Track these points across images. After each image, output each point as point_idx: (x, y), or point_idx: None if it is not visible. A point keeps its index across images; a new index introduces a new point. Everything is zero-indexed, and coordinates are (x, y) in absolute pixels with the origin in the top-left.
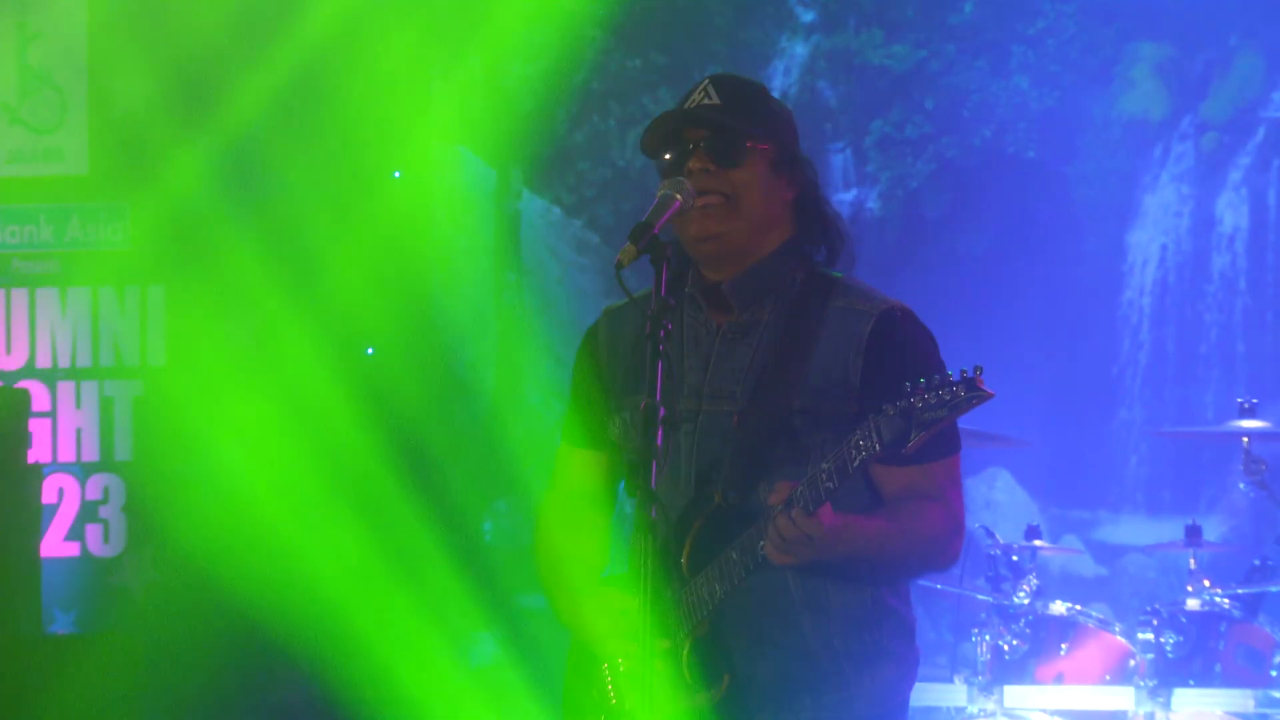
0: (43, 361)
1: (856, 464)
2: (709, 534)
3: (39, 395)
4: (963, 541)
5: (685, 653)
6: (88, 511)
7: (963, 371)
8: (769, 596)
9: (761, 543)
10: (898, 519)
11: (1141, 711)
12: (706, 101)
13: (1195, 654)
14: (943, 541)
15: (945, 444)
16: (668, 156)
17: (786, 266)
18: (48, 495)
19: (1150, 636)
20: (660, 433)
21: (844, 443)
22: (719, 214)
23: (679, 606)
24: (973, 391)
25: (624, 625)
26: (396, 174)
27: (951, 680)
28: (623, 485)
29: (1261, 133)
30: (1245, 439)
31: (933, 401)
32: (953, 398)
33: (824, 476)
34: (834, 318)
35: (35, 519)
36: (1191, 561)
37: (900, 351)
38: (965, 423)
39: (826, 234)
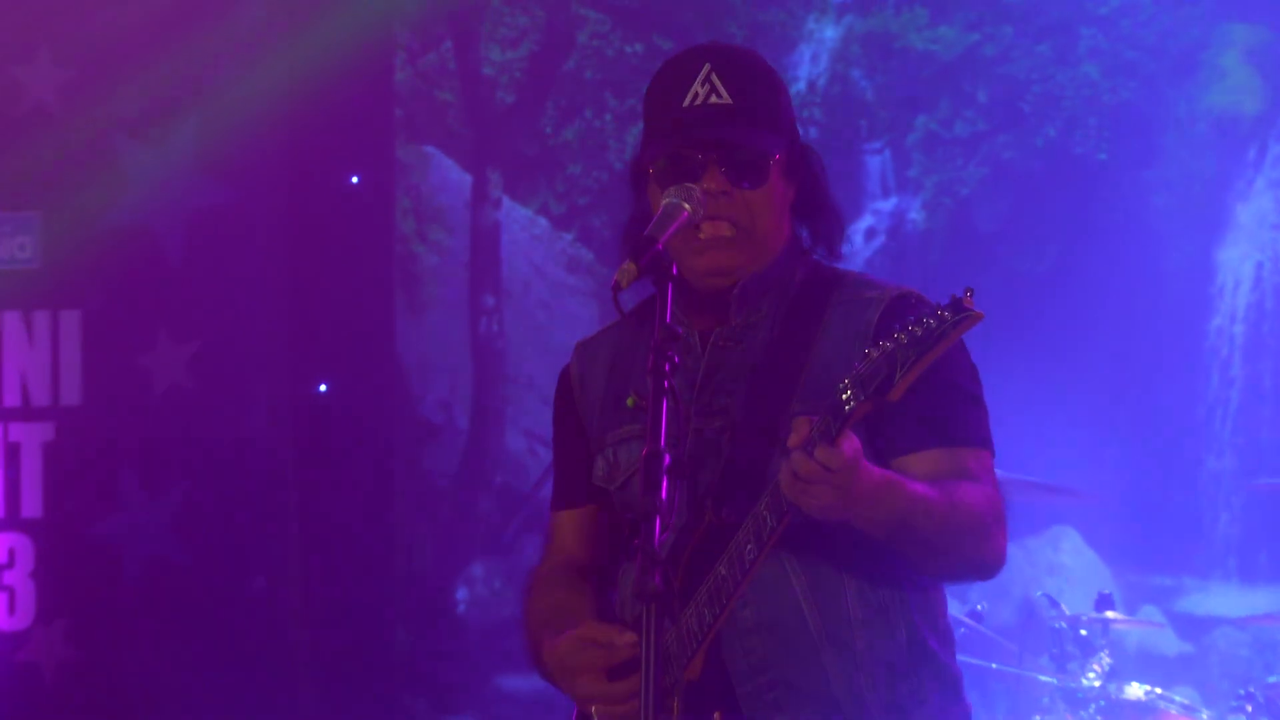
0: None
1: (840, 423)
2: (704, 557)
3: None
4: (1006, 542)
5: (676, 701)
6: None
7: (952, 296)
8: (783, 633)
9: (750, 546)
10: (941, 488)
11: None
12: (715, 100)
13: None
14: (990, 526)
15: (972, 429)
16: (669, 169)
17: (789, 266)
18: None
19: None
20: (665, 484)
21: (824, 405)
22: (734, 246)
23: (670, 643)
24: (959, 313)
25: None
26: (354, 179)
27: None
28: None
29: None
30: None
31: (918, 333)
32: (938, 322)
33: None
34: (839, 311)
35: None
36: None
37: None
38: (1025, 472)
39: (829, 227)
